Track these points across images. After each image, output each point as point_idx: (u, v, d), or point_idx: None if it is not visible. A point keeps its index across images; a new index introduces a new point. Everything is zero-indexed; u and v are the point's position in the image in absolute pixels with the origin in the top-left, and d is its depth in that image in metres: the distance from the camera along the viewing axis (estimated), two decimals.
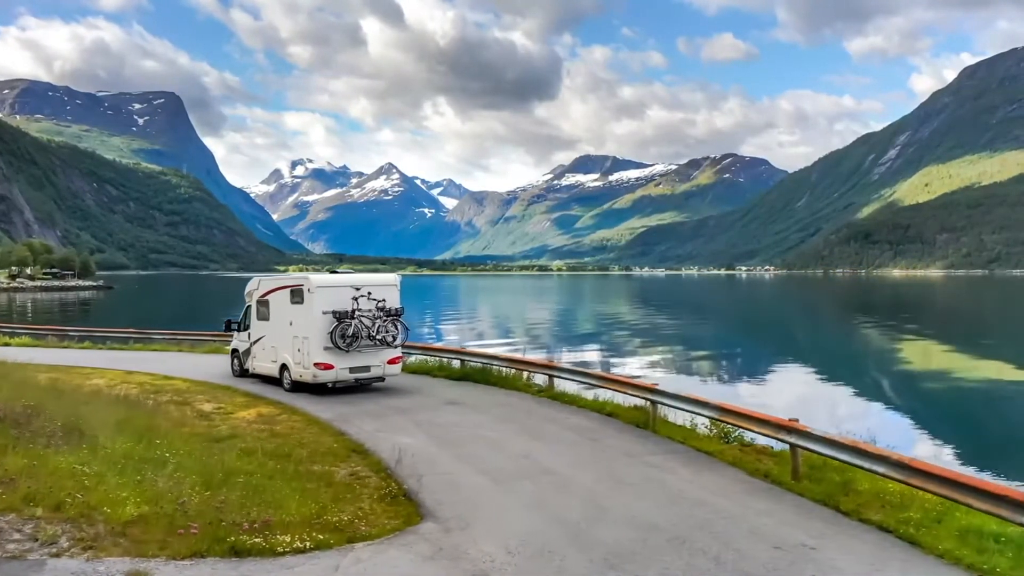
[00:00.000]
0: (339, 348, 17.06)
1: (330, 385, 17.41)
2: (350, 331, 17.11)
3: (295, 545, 7.28)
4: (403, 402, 16.63)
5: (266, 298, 19.06)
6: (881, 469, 8.91)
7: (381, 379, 18.26)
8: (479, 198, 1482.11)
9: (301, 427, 14.35)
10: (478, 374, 19.91)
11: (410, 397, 17.31)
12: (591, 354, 40.49)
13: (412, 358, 23.10)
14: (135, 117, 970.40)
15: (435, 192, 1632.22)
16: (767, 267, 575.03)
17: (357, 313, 17.32)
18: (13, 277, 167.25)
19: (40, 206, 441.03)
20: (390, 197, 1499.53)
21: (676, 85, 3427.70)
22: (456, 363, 21.33)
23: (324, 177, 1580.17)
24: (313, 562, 7.02)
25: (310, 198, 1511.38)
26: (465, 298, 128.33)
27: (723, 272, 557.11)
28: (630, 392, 14.93)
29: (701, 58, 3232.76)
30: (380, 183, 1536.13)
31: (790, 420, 10.58)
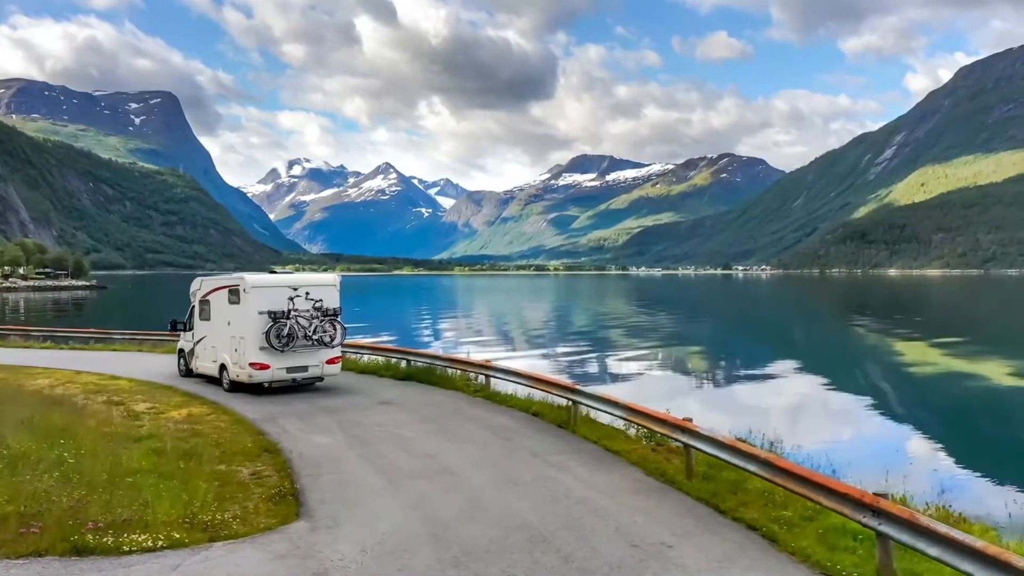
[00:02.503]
0: (274, 348, 17.11)
1: (266, 385, 17.45)
2: (285, 331, 17.16)
3: (146, 544, 7.33)
4: (336, 402, 16.68)
5: (207, 298, 19.10)
6: (753, 468, 8.99)
7: (320, 379, 18.32)
8: (476, 198, 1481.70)
9: (225, 427, 14.39)
10: (421, 374, 20.01)
11: (346, 397, 17.37)
12: (566, 351, 40.52)
13: (364, 358, 23.20)
14: (131, 117, 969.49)
15: (432, 192, 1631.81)
16: (764, 267, 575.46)
17: (293, 313, 17.36)
18: (6, 277, 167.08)
19: (36, 206, 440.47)
20: (387, 197, 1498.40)
21: (671, 84, 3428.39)
22: (404, 363, 21.39)
23: (321, 177, 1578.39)
24: (156, 561, 7.07)
25: (307, 198, 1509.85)
26: (462, 298, 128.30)
27: (719, 272, 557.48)
28: (555, 392, 15.00)
29: (696, 57, 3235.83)
30: (377, 183, 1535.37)
31: (683, 420, 10.67)
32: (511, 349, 42.35)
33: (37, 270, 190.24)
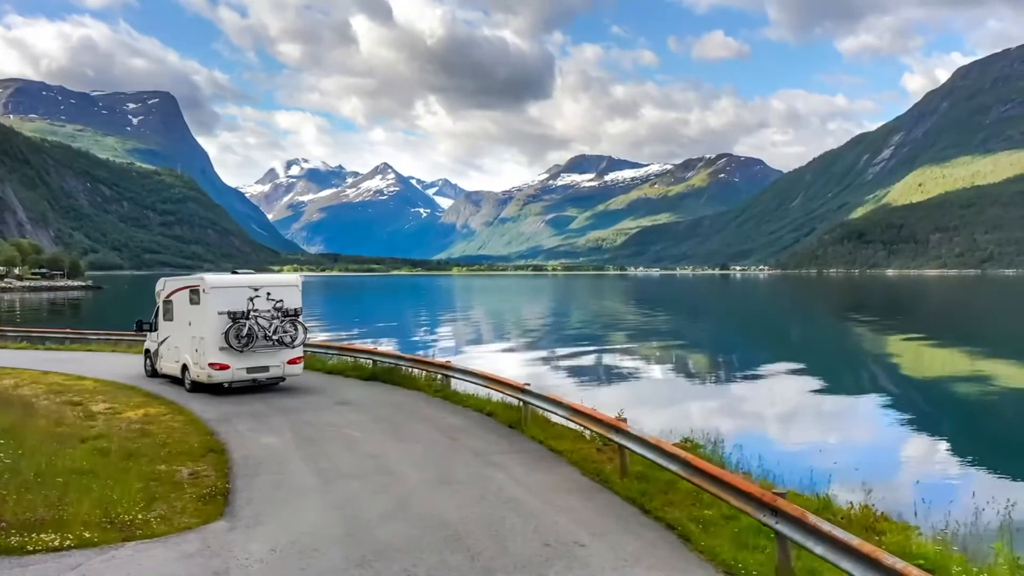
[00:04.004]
0: (234, 348, 17.13)
1: (226, 385, 17.47)
2: (245, 331, 17.18)
3: (53, 544, 7.35)
4: (295, 402, 16.70)
5: (170, 298, 19.13)
6: (674, 467, 9.03)
7: (282, 379, 18.35)
8: (475, 199, 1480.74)
9: (177, 427, 14.39)
10: (385, 374, 20.06)
11: (305, 397, 17.39)
12: (553, 350, 40.55)
13: (333, 359, 23.25)
14: (129, 117, 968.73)
15: (430, 192, 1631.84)
16: (762, 267, 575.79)
17: (253, 313, 17.39)
18: (1, 277, 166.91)
19: (33, 206, 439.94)
20: (385, 197, 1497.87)
21: (668, 84, 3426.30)
22: (371, 363, 21.41)
23: (319, 177, 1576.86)
24: (57, 561, 7.09)
25: (305, 198, 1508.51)
26: (459, 298, 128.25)
27: (717, 272, 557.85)
28: (507, 392, 15.04)
29: (692, 57, 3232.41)
30: (375, 183, 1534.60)
31: (617, 420, 10.72)
32: (500, 347, 42.36)
33: (33, 270, 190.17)
